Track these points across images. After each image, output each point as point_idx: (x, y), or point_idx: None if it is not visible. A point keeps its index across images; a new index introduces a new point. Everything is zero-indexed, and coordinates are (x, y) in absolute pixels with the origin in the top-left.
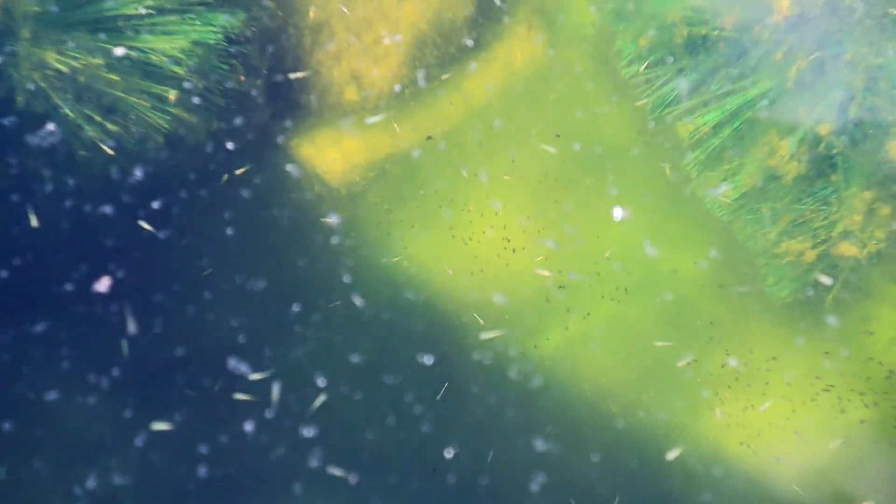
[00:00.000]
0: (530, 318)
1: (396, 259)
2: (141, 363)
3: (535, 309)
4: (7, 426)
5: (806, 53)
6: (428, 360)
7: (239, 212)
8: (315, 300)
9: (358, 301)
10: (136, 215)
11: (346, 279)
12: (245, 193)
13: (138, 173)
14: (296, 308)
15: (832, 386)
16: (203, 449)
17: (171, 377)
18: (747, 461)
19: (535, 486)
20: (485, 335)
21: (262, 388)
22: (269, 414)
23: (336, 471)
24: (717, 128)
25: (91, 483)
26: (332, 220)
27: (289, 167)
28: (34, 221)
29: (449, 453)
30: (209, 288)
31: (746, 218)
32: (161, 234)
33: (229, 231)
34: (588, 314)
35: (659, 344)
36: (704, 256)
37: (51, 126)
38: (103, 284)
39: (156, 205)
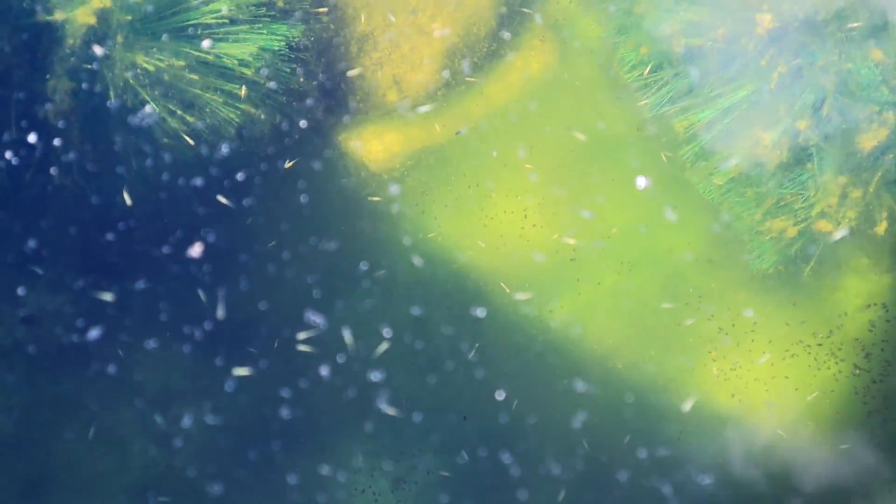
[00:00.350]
0: (549, 286)
1: (432, 235)
2: (229, 316)
3: (552, 278)
4: (111, 369)
5: (786, 61)
6: (481, 312)
7: (307, 188)
8: (379, 260)
9: (417, 261)
10: (223, 186)
11: (406, 242)
12: (304, 178)
13: (223, 150)
14: (363, 266)
15: (808, 346)
16: (285, 393)
17: (257, 328)
18: (737, 410)
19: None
20: (518, 296)
21: (334, 337)
22: (341, 359)
23: (400, 411)
24: (708, 124)
25: (186, 422)
26: (393, 189)
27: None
28: (128, 200)
29: (500, 395)
30: (288, 248)
31: (734, 200)
32: (245, 203)
33: (303, 198)
34: (599, 283)
35: (665, 306)
36: (697, 235)
37: (148, 108)
38: (196, 250)
39: (240, 177)
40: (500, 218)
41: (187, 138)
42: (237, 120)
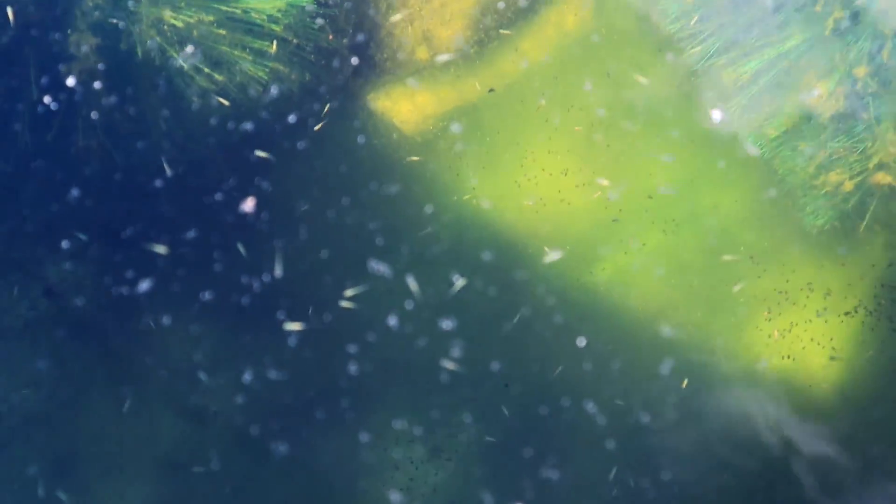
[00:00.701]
0: (590, 247)
1: (466, 197)
2: (291, 267)
3: (594, 238)
4: (166, 321)
5: (842, 5)
6: (555, 254)
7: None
8: (445, 202)
9: (485, 203)
10: (274, 130)
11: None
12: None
13: (273, 91)
14: (428, 210)
15: (864, 305)
16: (351, 349)
17: (320, 279)
18: (792, 370)
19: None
20: (553, 256)
21: (401, 285)
22: (409, 306)
23: (476, 361)
24: (756, 74)
25: (247, 377)
26: (456, 127)
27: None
28: (168, 171)
29: (581, 342)
30: (347, 194)
31: (786, 154)
32: (299, 146)
33: (361, 139)
34: (643, 244)
35: (714, 264)
36: (746, 192)
37: (189, 48)
38: (248, 205)
39: (292, 118)
40: (539, 177)
41: (221, 99)
42: (265, 78)
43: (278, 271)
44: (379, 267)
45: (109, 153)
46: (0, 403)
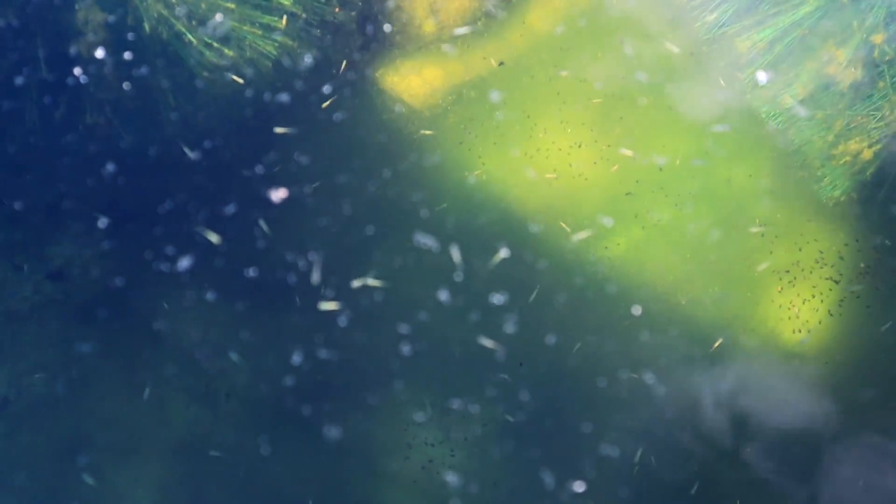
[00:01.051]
0: (604, 222)
1: (477, 172)
2: (334, 244)
3: (607, 213)
4: (210, 296)
5: None
6: (608, 221)
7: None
8: (492, 171)
9: (531, 173)
10: (309, 102)
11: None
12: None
13: (307, 60)
14: (471, 179)
15: (881, 278)
16: (403, 329)
17: (368, 254)
18: (804, 346)
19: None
20: (578, 235)
21: (447, 259)
22: (458, 277)
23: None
24: (772, 43)
25: (296, 358)
26: (494, 97)
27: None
28: (191, 155)
29: (637, 311)
30: (387, 166)
31: (802, 124)
32: (335, 118)
33: (398, 108)
34: (659, 219)
35: (727, 238)
36: (761, 164)
37: (219, 17)
38: (278, 195)
39: (327, 88)
40: (550, 151)
41: (236, 77)
42: (274, 53)
43: (316, 276)
44: (426, 240)
45: (118, 131)
46: (10, 388)
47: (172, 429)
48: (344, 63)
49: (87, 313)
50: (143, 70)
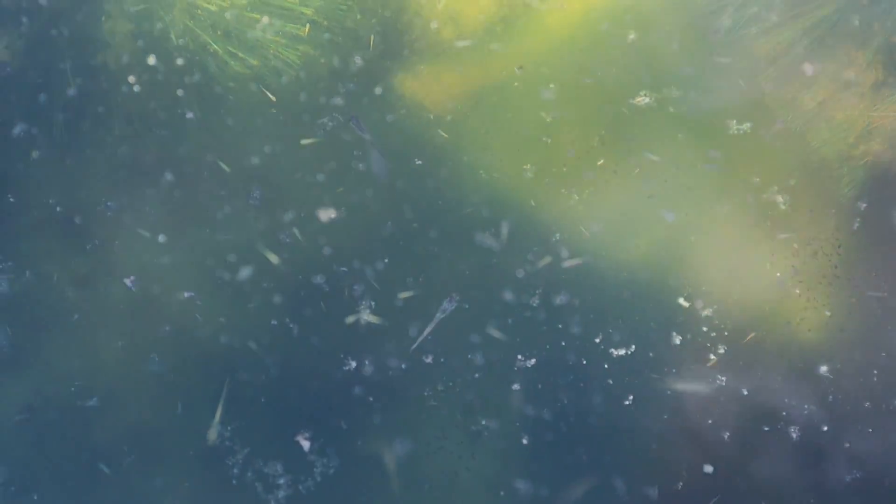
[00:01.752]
0: (624, 224)
1: (496, 175)
2: (399, 248)
3: (627, 215)
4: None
5: None
6: (670, 217)
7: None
8: (548, 167)
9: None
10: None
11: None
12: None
13: (357, 62)
14: (528, 173)
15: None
16: (475, 338)
17: (435, 258)
18: (816, 345)
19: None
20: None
21: (511, 256)
22: (520, 273)
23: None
24: (791, 45)
25: (351, 365)
26: (547, 94)
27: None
28: (225, 168)
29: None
30: (443, 166)
31: (821, 126)
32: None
33: (389, 117)
34: (677, 220)
35: (747, 240)
36: (780, 165)
37: (265, 19)
38: (326, 215)
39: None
40: (567, 155)
41: (268, 93)
42: (297, 62)
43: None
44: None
45: (144, 141)
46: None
47: (202, 440)
48: (362, 68)
49: (114, 320)
50: (196, 77)
